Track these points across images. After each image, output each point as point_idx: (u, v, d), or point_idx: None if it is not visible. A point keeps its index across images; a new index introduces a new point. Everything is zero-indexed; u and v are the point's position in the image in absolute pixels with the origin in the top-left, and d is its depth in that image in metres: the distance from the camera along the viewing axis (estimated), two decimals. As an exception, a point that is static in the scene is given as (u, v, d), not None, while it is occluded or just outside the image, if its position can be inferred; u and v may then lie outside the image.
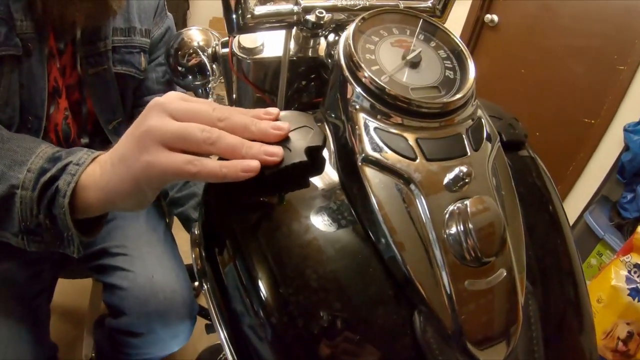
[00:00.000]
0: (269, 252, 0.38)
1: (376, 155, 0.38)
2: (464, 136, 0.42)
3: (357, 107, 0.40)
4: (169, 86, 1.02)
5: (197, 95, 0.81)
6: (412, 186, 0.37)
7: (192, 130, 0.38)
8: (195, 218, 0.95)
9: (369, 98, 0.40)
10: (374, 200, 0.37)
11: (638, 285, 1.57)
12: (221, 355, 1.07)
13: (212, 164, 0.38)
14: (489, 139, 0.44)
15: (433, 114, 0.41)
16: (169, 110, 0.40)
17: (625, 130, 1.84)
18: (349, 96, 0.41)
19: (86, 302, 1.40)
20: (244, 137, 0.40)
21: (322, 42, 0.62)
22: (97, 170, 0.45)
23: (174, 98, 0.41)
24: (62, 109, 0.85)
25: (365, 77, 0.40)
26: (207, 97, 0.80)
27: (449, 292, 0.35)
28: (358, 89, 0.41)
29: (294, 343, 0.36)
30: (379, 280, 0.37)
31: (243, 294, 0.39)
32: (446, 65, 0.47)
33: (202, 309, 1.04)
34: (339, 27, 0.59)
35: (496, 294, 0.37)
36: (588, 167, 2.07)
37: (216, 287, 0.44)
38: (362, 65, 0.41)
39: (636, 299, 1.56)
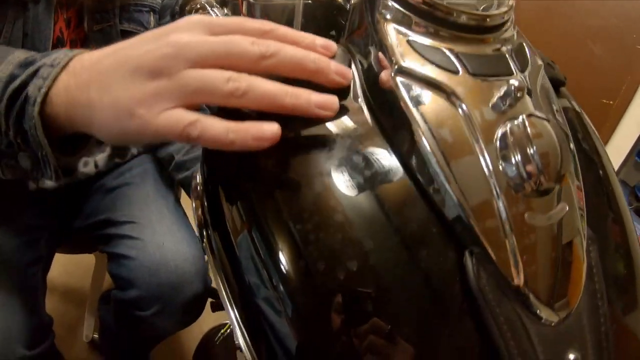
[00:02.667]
0: (288, 203, 0.33)
1: (412, 65, 0.33)
2: (507, 56, 0.37)
3: (388, 17, 0.35)
4: None
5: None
6: (456, 100, 0.32)
7: (214, 79, 0.31)
8: None
9: (401, 8, 0.35)
10: (411, 115, 0.31)
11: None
12: (222, 331, 1.03)
13: (217, 127, 0.31)
14: (534, 63, 0.39)
15: (473, 28, 0.36)
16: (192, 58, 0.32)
17: (646, 110, 1.78)
18: (377, 9, 0.36)
19: (88, 282, 1.35)
20: (294, 76, 0.33)
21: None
22: (71, 81, 0.36)
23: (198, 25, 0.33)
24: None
25: (397, -15, 0.35)
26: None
27: (506, 226, 0.29)
28: (390, 1, 0.36)
29: (321, 303, 0.30)
30: (420, 217, 0.31)
31: (257, 260, 0.34)
32: (483, -13, 0.42)
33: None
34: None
35: (559, 231, 0.31)
36: (607, 148, 2.01)
37: (223, 253, 0.39)
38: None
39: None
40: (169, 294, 0.80)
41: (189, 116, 0.31)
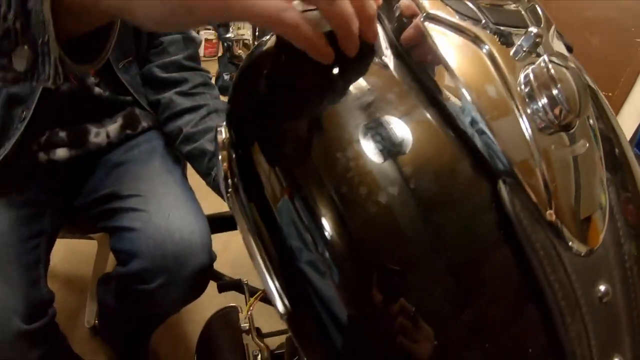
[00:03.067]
0: (327, 167, 0.33)
1: (439, 13, 0.34)
2: (523, 12, 0.39)
3: (413, -28, 0.37)
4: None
5: (216, 30, 0.78)
6: (481, 44, 0.34)
7: None
8: (212, 151, 0.89)
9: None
10: (442, 56, 0.33)
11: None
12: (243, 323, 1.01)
13: (307, 29, 0.32)
14: (547, 20, 0.41)
15: (492, -16, 0.38)
16: None
17: (645, 100, 1.81)
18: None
19: (88, 269, 1.36)
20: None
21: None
22: None
23: None
24: None
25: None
26: (226, 32, 0.77)
27: (536, 155, 0.31)
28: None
29: (366, 267, 0.31)
30: (453, 150, 0.32)
31: (299, 225, 0.34)
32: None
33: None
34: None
35: (582, 164, 0.33)
36: (606, 141, 2.03)
37: (258, 218, 0.39)
38: None
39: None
40: (174, 266, 0.79)
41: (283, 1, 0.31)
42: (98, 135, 0.91)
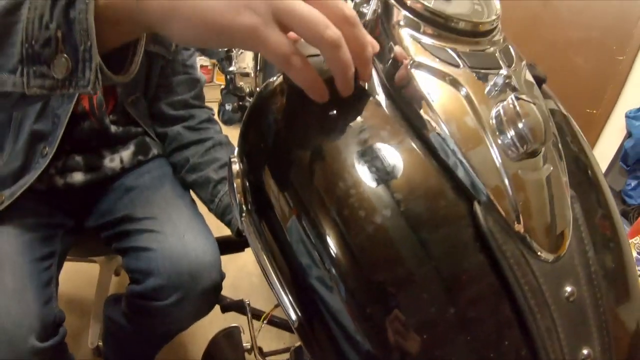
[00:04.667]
0: (328, 191, 0.39)
1: (424, 60, 0.41)
2: (497, 55, 0.46)
3: (402, 24, 0.44)
4: (192, 69, 1.06)
5: (220, 64, 0.85)
6: (459, 87, 0.40)
7: (320, 22, 0.36)
8: (216, 179, 0.97)
9: (412, 16, 0.44)
10: (426, 97, 0.40)
11: (649, 264, 1.59)
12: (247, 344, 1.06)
13: (310, 71, 0.38)
14: (517, 61, 0.48)
15: (469, 32, 0.45)
16: None
17: (627, 116, 1.89)
18: (393, 18, 0.45)
19: (90, 291, 1.39)
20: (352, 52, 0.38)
21: (349, 3, 0.66)
22: None
23: None
24: None
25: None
26: (230, 65, 0.84)
27: (505, 179, 0.37)
28: (402, 10, 0.44)
29: (369, 281, 0.36)
30: (436, 177, 0.39)
31: (307, 243, 0.39)
32: (475, 2, 0.51)
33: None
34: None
35: (547, 185, 0.39)
36: (592, 155, 2.10)
37: (270, 236, 0.45)
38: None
39: (648, 279, 1.58)
40: (189, 283, 0.83)
41: (293, 45, 0.36)
42: (112, 160, 0.97)
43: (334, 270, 0.37)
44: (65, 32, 0.37)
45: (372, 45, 0.41)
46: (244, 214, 0.48)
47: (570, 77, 2.16)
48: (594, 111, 2.07)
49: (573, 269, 0.39)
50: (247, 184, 0.49)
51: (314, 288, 0.39)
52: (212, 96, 0.93)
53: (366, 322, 0.36)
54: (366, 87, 0.45)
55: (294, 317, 0.42)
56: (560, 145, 0.45)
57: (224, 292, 1.06)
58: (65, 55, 0.38)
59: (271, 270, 0.44)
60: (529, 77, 0.49)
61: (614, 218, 0.49)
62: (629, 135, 1.93)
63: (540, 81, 0.58)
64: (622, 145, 1.98)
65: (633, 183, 1.96)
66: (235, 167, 0.51)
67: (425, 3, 0.44)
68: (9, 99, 0.42)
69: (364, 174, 0.38)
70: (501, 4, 0.49)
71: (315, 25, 0.36)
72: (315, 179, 0.41)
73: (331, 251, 0.37)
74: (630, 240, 1.67)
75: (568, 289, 0.38)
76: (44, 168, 0.85)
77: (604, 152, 2.07)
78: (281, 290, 0.43)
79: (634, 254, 1.65)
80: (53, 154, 0.83)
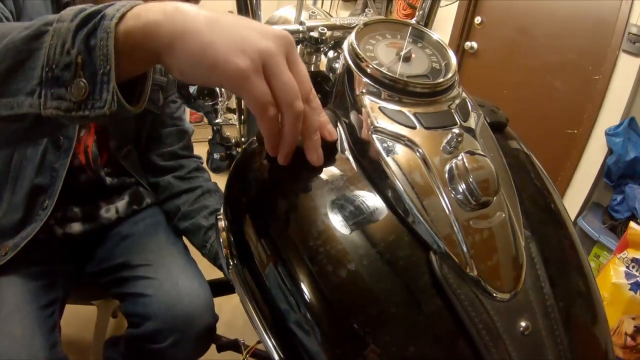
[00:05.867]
0: (301, 241, 0.44)
1: (383, 125, 0.46)
2: (453, 111, 0.51)
3: (364, 91, 0.49)
4: (180, 120, 1.13)
5: (206, 117, 0.90)
6: (415, 148, 0.45)
7: (294, 92, 0.41)
8: (207, 226, 1.02)
9: (372, 84, 0.49)
10: (385, 161, 0.45)
11: (638, 279, 1.62)
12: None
13: (277, 125, 0.44)
14: (474, 113, 0.53)
15: (426, 94, 0.50)
16: (291, 57, 0.43)
17: (607, 134, 1.95)
18: (355, 85, 0.51)
19: (87, 332, 1.41)
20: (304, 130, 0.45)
21: (323, 59, 0.72)
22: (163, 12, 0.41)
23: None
24: (92, 132, 0.94)
25: (369, 67, 0.50)
26: (216, 117, 0.89)
27: (457, 230, 0.42)
28: (364, 78, 0.50)
29: (341, 323, 0.41)
30: (396, 230, 0.44)
31: (284, 289, 0.44)
32: (432, 60, 0.56)
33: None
34: (337, 45, 0.70)
35: (498, 231, 0.44)
36: (576, 175, 2.16)
37: (253, 284, 0.49)
38: (366, 58, 0.50)
39: (638, 292, 1.61)
40: (184, 326, 0.88)
41: (271, 98, 0.41)
42: (108, 210, 1.03)
43: (308, 315, 0.42)
44: (86, 58, 0.40)
45: (329, 132, 0.48)
46: (230, 267, 0.53)
47: (550, 100, 2.23)
48: (575, 131, 2.13)
49: (528, 305, 0.44)
50: (232, 237, 0.53)
51: (293, 331, 0.44)
52: (204, 136, 0.98)
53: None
54: (337, 148, 0.50)
55: (276, 357, 0.46)
56: (518, 186, 0.50)
57: (219, 332, 1.10)
58: (83, 79, 0.41)
59: (254, 315, 0.49)
60: (485, 128, 0.54)
61: (576, 249, 0.54)
62: (610, 152, 1.98)
63: (501, 125, 0.64)
64: (605, 162, 2.03)
65: (618, 198, 2.01)
66: (221, 223, 0.56)
67: (384, 71, 0.49)
68: (23, 123, 0.44)
69: (332, 228, 0.43)
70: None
71: (291, 91, 0.41)
72: (289, 231, 0.46)
73: (305, 297, 0.42)
74: (618, 255, 1.71)
75: (523, 324, 0.42)
76: (46, 219, 0.89)
77: (587, 170, 2.12)
78: (264, 333, 0.47)
79: (623, 268, 1.68)
80: (53, 206, 0.88)
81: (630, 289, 1.63)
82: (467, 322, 0.39)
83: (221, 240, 0.54)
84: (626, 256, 1.68)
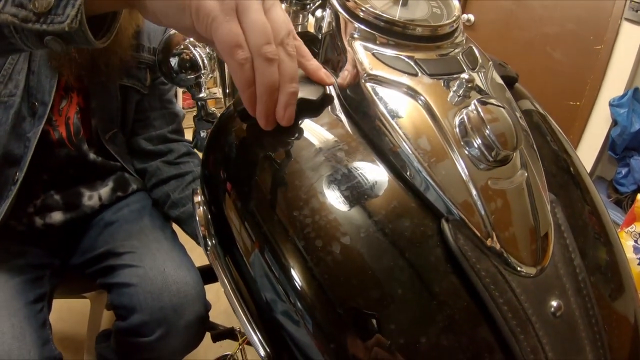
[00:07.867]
0: (291, 219, 0.37)
1: (378, 72, 0.39)
2: (459, 58, 0.43)
3: (355, 36, 0.42)
4: (169, 103, 1.06)
5: (190, 91, 0.83)
6: (418, 96, 0.38)
7: (265, 34, 0.37)
8: None
9: (366, 28, 0.42)
10: (381, 112, 0.37)
11: (646, 253, 1.57)
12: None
13: (249, 70, 0.37)
14: (483, 62, 0.45)
15: (427, 37, 0.42)
16: (267, 2, 0.38)
17: (611, 105, 1.88)
18: (344, 32, 0.43)
19: (82, 327, 1.36)
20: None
21: (310, 19, 0.65)
22: None
23: None
24: (74, 103, 0.87)
25: (361, 9, 0.42)
26: (200, 92, 0.82)
27: (474, 192, 0.34)
28: (355, 23, 0.42)
29: (337, 313, 0.34)
30: (400, 196, 0.36)
31: (271, 277, 0.37)
32: (432, 4, 0.49)
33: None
34: (325, 3, 0.62)
35: (521, 194, 0.36)
36: (580, 147, 2.10)
37: (236, 273, 0.43)
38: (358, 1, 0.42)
39: (647, 267, 1.56)
40: (172, 317, 0.82)
41: (243, 40, 0.37)
42: (91, 198, 0.95)
43: (299, 304, 0.34)
44: None
45: (326, 75, 0.41)
46: (209, 248, 0.46)
47: (550, 72, 2.16)
48: (577, 103, 2.06)
49: (558, 280, 0.37)
50: (209, 215, 0.46)
51: (281, 323, 0.37)
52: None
53: (335, 355, 0.33)
54: (328, 107, 0.42)
55: (262, 353, 0.39)
56: (536, 147, 0.43)
57: (218, 320, 1.04)
58: None
59: (237, 306, 0.42)
60: (497, 79, 0.46)
61: (602, 216, 0.47)
62: (614, 123, 1.92)
63: (511, 81, 0.56)
64: (608, 134, 1.97)
65: (623, 171, 1.95)
66: (197, 198, 0.48)
67: (378, 12, 0.41)
68: None
69: (326, 200, 0.36)
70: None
71: (260, 32, 0.37)
72: (276, 206, 0.38)
73: (296, 284, 0.34)
74: (625, 229, 1.65)
75: (554, 303, 0.35)
76: (22, 206, 0.84)
77: (591, 143, 2.06)
78: (248, 326, 0.40)
79: (631, 242, 1.63)
80: (25, 179, 0.81)
81: (639, 264, 1.58)
82: (489, 304, 0.32)
83: (197, 218, 0.47)
84: (634, 230, 1.63)
